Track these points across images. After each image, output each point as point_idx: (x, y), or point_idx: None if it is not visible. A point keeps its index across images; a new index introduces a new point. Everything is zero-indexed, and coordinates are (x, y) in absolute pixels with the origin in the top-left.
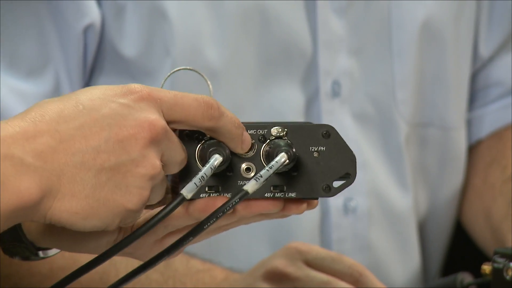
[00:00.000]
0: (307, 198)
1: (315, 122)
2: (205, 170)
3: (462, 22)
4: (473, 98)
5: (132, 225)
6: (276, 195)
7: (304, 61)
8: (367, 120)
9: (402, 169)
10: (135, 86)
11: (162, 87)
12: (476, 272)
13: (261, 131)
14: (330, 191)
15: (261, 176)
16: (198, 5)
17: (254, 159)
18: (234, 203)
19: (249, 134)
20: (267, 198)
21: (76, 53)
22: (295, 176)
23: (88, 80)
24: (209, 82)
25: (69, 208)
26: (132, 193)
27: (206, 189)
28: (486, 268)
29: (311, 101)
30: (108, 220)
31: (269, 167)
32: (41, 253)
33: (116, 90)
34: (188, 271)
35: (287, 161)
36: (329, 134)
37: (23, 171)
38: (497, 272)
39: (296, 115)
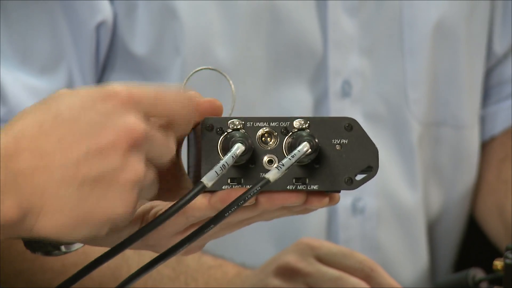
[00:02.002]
0: (329, 191)
1: None
2: (227, 159)
3: (475, 20)
4: (487, 95)
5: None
6: (298, 187)
7: (314, 60)
8: (379, 120)
9: (413, 169)
10: (114, 89)
11: (184, 85)
12: (488, 268)
13: (283, 124)
14: (352, 184)
15: (283, 165)
16: (209, 4)
17: (276, 151)
18: (255, 191)
19: (272, 126)
20: (290, 190)
21: (89, 50)
22: (317, 168)
23: (100, 77)
24: (231, 82)
25: (54, 223)
26: (117, 201)
27: (228, 181)
28: (498, 263)
29: (320, 100)
30: (97, 228)
31: (291, 156)
32: (63, 248)
33: (95, 96)
34: (200, 267)
35: (309, 150)
36: (351, 126)
37: (5, 191)
38: (509, 268)
39: (305, 115)
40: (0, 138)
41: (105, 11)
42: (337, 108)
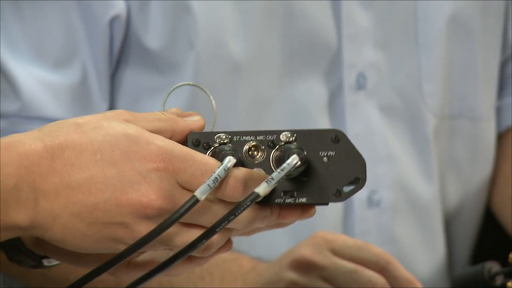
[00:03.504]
0: (317, 204)
1: (339, 114)
2: (219, 172)
3: (490, 12)
4: (503, 86)
5: None
6: (287, 200)
7: (329, 54)
8: (394, 113)
9: (429, 161)
10: (157, 155)
11: (163, 104)
12: (505, 261)
13: (270, 137)
14: (341, 196)
15: (273, 179)
16: None
17: (263, 165)
18: (245, 206)
19: (258, 140)
20: (294, 205)
21: (103, 45)
22: (305, 181)
23: (114, 71)
24: (211, 97)
25: (56, 240)
26: (120, 244)
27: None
28: None
29: (335, 94)
30: (96, 250)
31: (281, 170)
32: (45, 262)
33: (140, 151)
34: (215, 261)
35: (299, 162)
36: (338, 139)
37: (25, 205)
38: None
39: (319, 108)
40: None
41: (119, 6)
42: (352, 101)
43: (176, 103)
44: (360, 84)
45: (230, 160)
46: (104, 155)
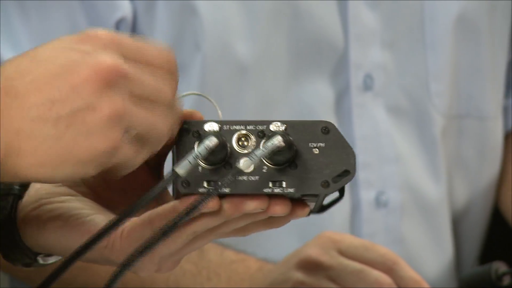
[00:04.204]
0: (306, 195)
1: (346, 115)
2: (200, 149)
3: (497, 12)
4: (510, 85)
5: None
6: (275, 190)
7: (335, 54)
8: (401, 113)
9: (437, 161)
10: (95, 31)
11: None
12: None
13: (260, 127)
14: (329, 187)
15: (256, 155)
16: (229, 0)
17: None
18: (228, 180)
19: (248, 129)
20: (253, 195)
21: None
22: (294, 171)
23: None
24: (216, 105)
25: (33, 162)
26: (96, 137)
27: (205, 184)
28: None
29: (342, 94)
30: (81, 167)
31: (264, 148)
32: (40, 260)
33: (74, 38)
34: (222, 262)
35: (282, 144)
36: (328, 130)
37: None
38: None
39: (326, 109)
40: None
41: (125, 8)
42: (359, 102)
43: (184, 106)
44: (367, 84)
45: (211, 140)
46: (42, 57)
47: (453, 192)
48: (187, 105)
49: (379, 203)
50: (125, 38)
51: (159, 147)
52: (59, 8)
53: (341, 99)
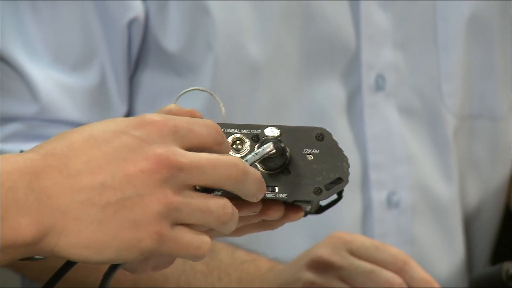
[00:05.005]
0: (298, 201)
1: (358, 116)
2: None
3: (509, 12)
4: None
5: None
6: (267, 195)
7: (347, 55)
8: (413, 114)
9: (449, 162)
10: (150, 117)
11: (175, 103)
12: None
13: (255, 131)
14: (321, 194)
15: (246, 161)
16: (241, 0)
17: (244, 159)
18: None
19: (243, 133)
20: (276, 201)
21: (121, 47)
22: (287, 177)
23: (133, 74)
24: (221, 104)
25: (77, 243)
26: (142, 229)
27: (197, 186)
28: None
29: (354, 95)
30: (125, 254)
31: (255, 153)
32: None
33: (130, 122)
34: (233, 262)
35: (273, 151)
36: (322, 136)
37: (25, 207)
38: None
39: (338, 109)
40: (28, 155)
41: (137, 8)
42: (371, 102)
43: (194, 106)
44: (379, 85)
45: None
46: (97, 138)
47: (465, 193)
48: (198, 102)
49: (391, 203)
50: (178, 121)
51: (229, 230)
52: (71, 8)
53: (353, 99)
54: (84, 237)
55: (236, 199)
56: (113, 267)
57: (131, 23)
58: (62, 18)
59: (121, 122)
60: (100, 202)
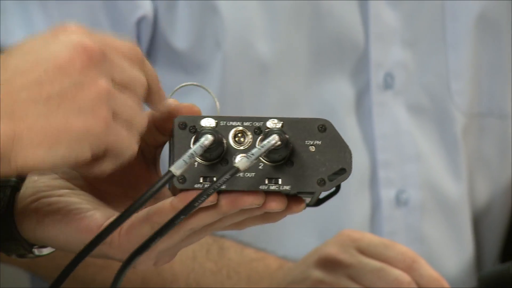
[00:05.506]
0: (301, 192)
1: (366, 114)
2: (195, 148)
3: None
4: None
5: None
6: (271, 187)
7: (356, 53)
8: (422, 112)
9: (458, 160)
10: (69, 24)
11: (170, 97)
12: None
13: (256, 123)
14: (325, 185)
15: (253, 154)
16: None
17: (248, 152)
18: (225, 179)
19: (245, 125)
20: (249, 192)
21: None
22: (290, 169)
23: None
24: (216, 99)
25: (29, 143)
26: (87, 115)
27: (201, 179)
28: None
29: (362, 93)
30: (76, 147)
31: (261, 146)
32: (36, 251)
33: (48, 32)
34: (242, 260)
35: (279, 142)
36: (325, 128)
37: None
38: None
39: (347, 108)
40: None
41: (146, 7)
42: (380, 101)
43: (202, 104)
44: (388, 83)
45: (207, 138)
46: (24, 49)
47: (474, 191)
48: (206, 100)
49: (400, 201)
50: (93, 30)
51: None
52: (80, 6)
53: (362, 97)
54: (34, 135)
55: (238, 193)
56: (125, 266)
57: (140, 22)
58: (71, 16)
59: (40, 35)
60: (41, 97)
